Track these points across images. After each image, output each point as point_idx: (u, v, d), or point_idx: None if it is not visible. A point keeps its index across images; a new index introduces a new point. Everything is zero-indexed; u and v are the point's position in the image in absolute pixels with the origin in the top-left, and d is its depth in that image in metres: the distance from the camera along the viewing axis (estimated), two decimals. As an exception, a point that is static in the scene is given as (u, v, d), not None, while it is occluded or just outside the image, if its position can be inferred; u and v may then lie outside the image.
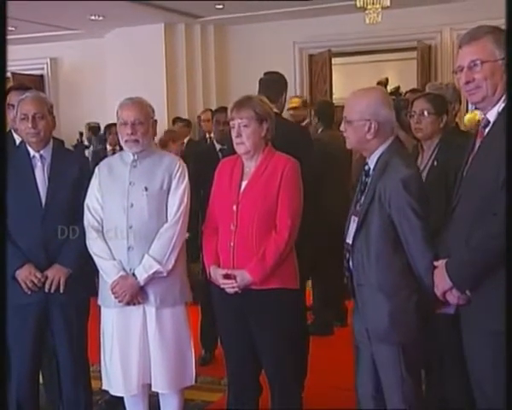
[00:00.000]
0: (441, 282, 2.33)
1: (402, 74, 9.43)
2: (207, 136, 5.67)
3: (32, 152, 3.15)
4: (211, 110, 6.66)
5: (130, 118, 3.06)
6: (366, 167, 2.65)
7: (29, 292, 3.06)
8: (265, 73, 4.07)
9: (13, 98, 3.54)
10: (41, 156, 3.14)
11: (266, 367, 3.03)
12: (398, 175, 2.48)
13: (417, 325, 2.54)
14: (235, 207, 2.90)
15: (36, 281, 3.05)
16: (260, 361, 3.02)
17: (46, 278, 3.07)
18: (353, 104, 2.61)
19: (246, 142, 2.90)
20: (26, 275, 3.04)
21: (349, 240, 2.63)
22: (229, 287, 2.88)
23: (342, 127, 2.65)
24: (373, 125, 2.54)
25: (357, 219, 2.60)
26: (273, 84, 3.78)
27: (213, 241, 3.00)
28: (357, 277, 2.61)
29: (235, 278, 2.84)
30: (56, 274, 3.08)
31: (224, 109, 5.19)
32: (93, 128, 9.01)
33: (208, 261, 3.00)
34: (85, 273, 3.18)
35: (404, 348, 2.54)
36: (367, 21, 7.41)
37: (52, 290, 3.07)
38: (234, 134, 2.92)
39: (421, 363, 2.69)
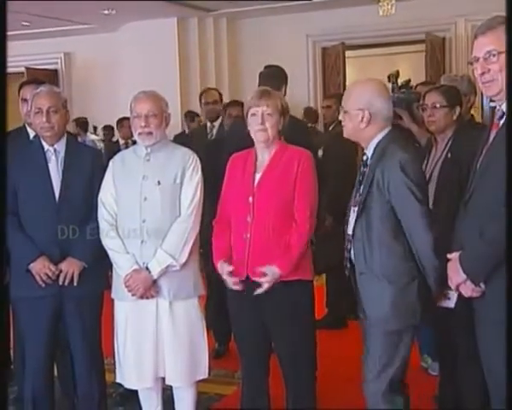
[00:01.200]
0: (455, 274, 2.32)
1: (415, 67, 9.35)
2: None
3: (45, 146, 3.16)
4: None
5: (144, 110, 3.07)
6: (364, 157, 2.70)
7: (43, 285, 3.08)
8: (266, 67, 4.07)
9: (26, 92, 3.56)
10: (55, 150, 3.15)
11: (282, 359, 3.01)
12: (395, 158, 2.54)
13: (418, 311, 2.57)
14: (251, 199, 2.90)
15: (50, 274, 3.06)
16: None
17: (60, 271, 3.09)
18: (349, 95, 2.71)
19: (269, 129, 2.90)
20: (40, 268, 3.06)
21: (350, 230, 2.66)
22: (233, 283, 2.91)
23: (341, 117, 2.73)
24: (366, 115, 2.60)
25: (356, 208, 2.63)
26: (273, 77, 3.78)
27: (225, 235, 3.00)
28: (359, 266, 2.64)
29: (263, 274, 2.84)
30: (70, 267, 3.10)
31: (236, 103, 5.19)
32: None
33: (217, 256, 3.00)
34: (99, 266, 3.19)
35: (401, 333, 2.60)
36: (380, 13, 7.38)
37: (66, 284, 3.09)
38: (256, 121, 2.91)
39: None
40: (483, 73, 2.26)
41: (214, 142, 4.82)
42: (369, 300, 2.62)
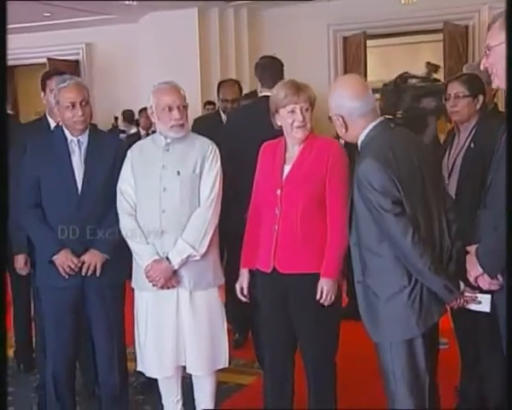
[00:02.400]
0: (472, 268, 2.31)
1: (438, 56, 9.24)
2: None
3: (69, 137, 3.17)
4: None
5: (176, 102, 3.05)
6: None
7: (66, 276, 3.10)
8: (261, 58, 4.06)
9: (52, 83, 3.56)
10: (78, 141, 3.17)
11: (306, 351, 3.00)
12: (360, 164, 2.43)
13: (413, 322, 2.45)
14: (279, 192, 2.89)
15: (73, 266, 3.09)
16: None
17: (83, 262, 3.11)
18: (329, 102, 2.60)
19: (308, 125, 2.89)
20: (63, 260, 3.09)
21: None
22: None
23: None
24: (340, 120, 2.53)
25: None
26: (272, 68, 3.78)
27: (255, 229, 3.01)
28: (356, 273, 2.59)
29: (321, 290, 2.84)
30: (93, 259, 3.12)
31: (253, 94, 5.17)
32: (127, 116, 9.09)
33: (246, 255, 3.05)
34: (121, 257, 3.21)
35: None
36: (402, 2, 7.30)
37: (88, 275, 3.12)
38: (297, 118, 2.87)
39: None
40: (486, 67, 2.25)
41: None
42: (363, 312, 2.56)
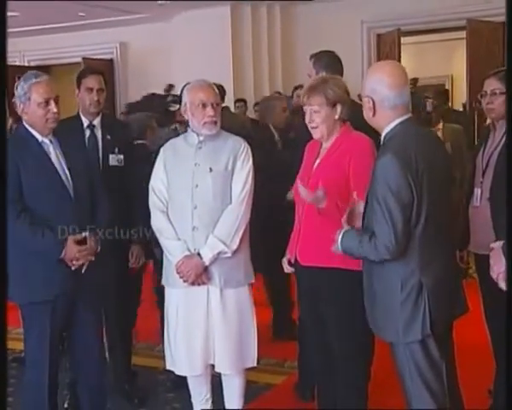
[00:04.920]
0: (496, 263, 2.28)
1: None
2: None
3: (38, 138, 2.98)
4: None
5: (211, 99, 3.07)
6: None
7: (82, 264, 2.93)
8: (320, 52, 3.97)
9: (94, 82, 3.61)
10: (51, 141, 3.01)
11: (334, 351, 2.98)
12: (381, 159, 2.38)
13: (419, 325, 2.39)
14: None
15: (80, 247, 2.90)
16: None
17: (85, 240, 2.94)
18: (363, 81, 2.54)
19: (319, 126, 2.92)
20: (71, 248, 2.89)
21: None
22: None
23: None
24: (370, 103, 2.46)
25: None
26: (334, 63, 3.70)
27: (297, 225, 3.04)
28: (364, 276, 2.56)
29: None
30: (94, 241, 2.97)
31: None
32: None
33: (290, 245, 3.10)
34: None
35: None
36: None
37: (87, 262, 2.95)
38: (307, 119, 2.95)
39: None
40: None
41: None
42: (375, 312, 2.54)
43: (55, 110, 2.92)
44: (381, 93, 2.44)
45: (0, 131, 2.50)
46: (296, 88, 6.45)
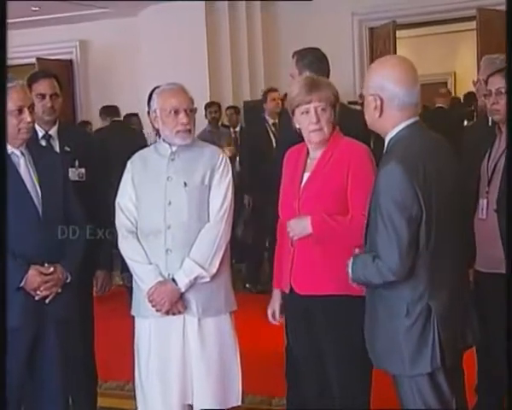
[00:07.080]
0: None
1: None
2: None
3: (8, 149, 2.95)
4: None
5: (184, 105, 3.07)
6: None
7: (43, 295, 2.92)
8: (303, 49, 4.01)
9: (45, 87, 3.51)
10: (22, 153, 3.02)
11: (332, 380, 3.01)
12: (385, 165, 2.38)
13: (427, 357, 2.40)
14: (296, 204, 2.91)
15: (45, 277, 2.89)
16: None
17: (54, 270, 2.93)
18: (366, 77, 2.56)
19: (324, 128, 2.89)
20: (34, 278, 2.87)
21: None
22: None
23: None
24: (377, 102, 2.45)
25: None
26: (319, 61, 3.73)
27: (282, 247, 3.05)
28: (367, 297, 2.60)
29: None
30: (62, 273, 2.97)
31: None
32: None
33: (276, 275, 3.13)
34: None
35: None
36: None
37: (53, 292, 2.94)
38: (311, 120, 2.88)
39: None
40: None
41: None
42: (378, 343, 2.57)
43: (28, 119, 2.89)
44: (392, 90, 2.43)
45: (0, 131, 2.50)
46: (269, 91, 6.69)
